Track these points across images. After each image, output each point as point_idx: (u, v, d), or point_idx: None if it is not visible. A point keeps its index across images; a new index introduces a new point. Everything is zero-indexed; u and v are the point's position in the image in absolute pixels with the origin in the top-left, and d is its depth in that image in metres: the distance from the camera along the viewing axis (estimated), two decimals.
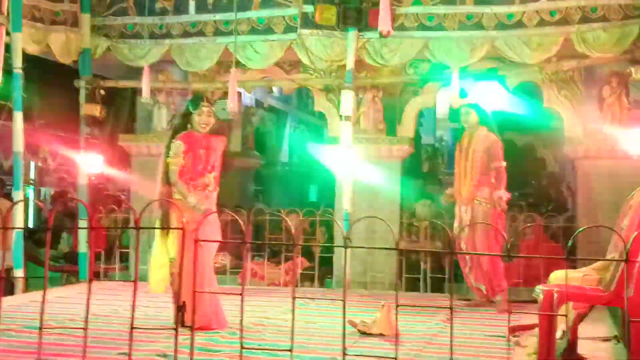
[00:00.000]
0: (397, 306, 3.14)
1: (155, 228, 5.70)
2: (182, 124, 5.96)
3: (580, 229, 4.50)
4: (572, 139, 8.59)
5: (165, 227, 5.61)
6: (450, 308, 3.00)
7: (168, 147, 5.85)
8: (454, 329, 3.00)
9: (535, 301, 4.14)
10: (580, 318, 4.46)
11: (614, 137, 8.29)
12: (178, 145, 5.80)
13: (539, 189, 12.53)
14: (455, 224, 7.28)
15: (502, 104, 8.80)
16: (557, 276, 4.27)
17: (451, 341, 2.98)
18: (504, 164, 7.19)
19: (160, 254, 5.79)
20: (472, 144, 7.23)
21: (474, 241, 7.06)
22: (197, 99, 6.13)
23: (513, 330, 5.49)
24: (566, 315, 3.72)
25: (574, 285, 3.94)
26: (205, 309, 5.65)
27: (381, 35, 7.77)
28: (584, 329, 4.80)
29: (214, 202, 5.92)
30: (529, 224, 8.60)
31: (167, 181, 5.80)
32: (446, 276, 7.52)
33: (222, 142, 6.20)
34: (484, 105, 7.60)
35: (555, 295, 3.92)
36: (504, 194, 7.08)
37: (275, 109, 13.28)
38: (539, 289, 4.07)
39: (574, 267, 5.19)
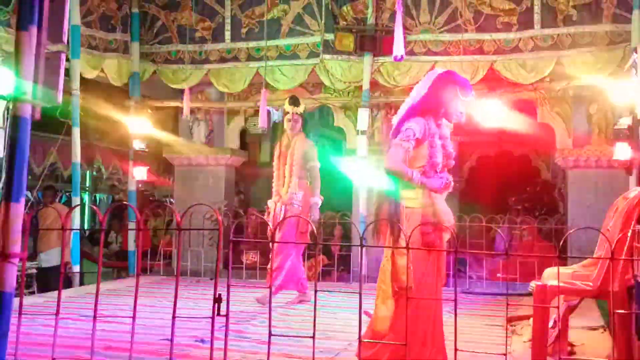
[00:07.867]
0: (407, 299, 3.14)
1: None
2: None
3: (570, 231, 4.45)
4: (563, 150, 8.55)
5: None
6: (455, 300, 2.99)
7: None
8: (458, 319, 2.99)
9: (530, 294, 4.12)
10: (571, 310, 4.41)
11: (599, 149, 8.29)
12: (413, 126, 3.68)
13: (533, 194, 12.43)
14: (269, 219, 6.71)
15: (501, 119, 8.78)
16: (550, 272, 4.23)
17: (455, 329, 2.97)
18: (318, 164, 6.78)
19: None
20: (292, 148, 6.72)
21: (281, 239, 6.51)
22: None
23: (510, 320, 5.45)
24: (558, 307, 3.68)
25: (565, 281, 3.90)
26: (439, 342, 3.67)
27: (395, 59, 7.74)
28: (574, 320, 4.76)
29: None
30: (525, 226, 8.52)
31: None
32: (451, 272, 7.45)
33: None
34: (483, 121, 7.53)
35: (548, 289, 3.89)
36: (318, 201, 6.69)
37: None
38: (534, 283, 4.05)
39: (565, 265, 5.15)
